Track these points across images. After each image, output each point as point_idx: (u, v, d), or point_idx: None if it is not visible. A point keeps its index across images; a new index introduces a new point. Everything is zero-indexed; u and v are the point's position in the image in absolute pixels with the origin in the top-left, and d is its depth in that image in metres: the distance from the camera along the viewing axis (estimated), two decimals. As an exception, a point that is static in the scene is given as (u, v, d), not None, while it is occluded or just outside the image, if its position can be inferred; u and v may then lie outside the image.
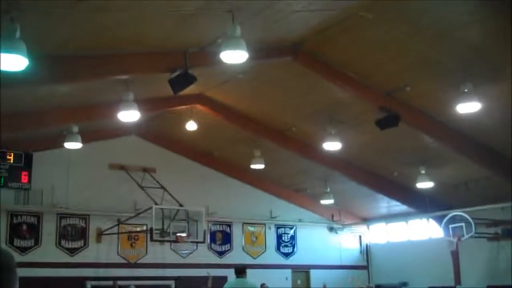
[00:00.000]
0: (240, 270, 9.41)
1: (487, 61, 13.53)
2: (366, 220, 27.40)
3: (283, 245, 25.97)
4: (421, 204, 22.86)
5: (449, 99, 14.28)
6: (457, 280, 23.57)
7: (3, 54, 9.44)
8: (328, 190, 23.25)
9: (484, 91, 13.89)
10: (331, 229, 26.96)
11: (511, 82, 14.04)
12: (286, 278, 25.26)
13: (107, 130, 20.62)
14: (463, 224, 20.99)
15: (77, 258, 21.06)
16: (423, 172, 19.78)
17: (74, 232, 21.31)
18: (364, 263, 27.70)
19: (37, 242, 20.55)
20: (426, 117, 16.83)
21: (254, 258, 24.82)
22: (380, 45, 13.66)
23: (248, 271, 9.62)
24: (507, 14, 11.38)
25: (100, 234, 21.44)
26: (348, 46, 14.09)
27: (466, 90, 13.52)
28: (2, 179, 19.71)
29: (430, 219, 24.20)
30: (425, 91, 15.39)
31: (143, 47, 12.99)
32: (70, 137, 17.72)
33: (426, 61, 14.14)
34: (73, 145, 17.96)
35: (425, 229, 25.16)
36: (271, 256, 25.49)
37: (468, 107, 13.87)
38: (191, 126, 18.49)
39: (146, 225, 20.45)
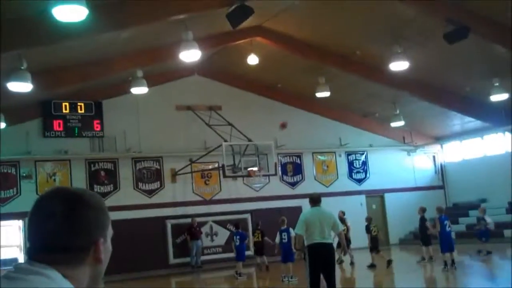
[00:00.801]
0: (316, 199, 9.38)
1: None
2: (439, 139, 26.74)
3: (355, 171, 25.83)
4: (497, 118, 22.00)
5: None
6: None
7: (63, 5, 9.50)
8: (398, 112, 22.75)
9: None
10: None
11: None
12: (361, 204, 25.23)
13: (171, 72, 20.75)
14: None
15: (155, 199, 21.74)
16: (496, 84, 18.95)
17: (149, 175, 21.91)
18: (440, 183, 27.24)
19: (116, 186, 21.30)
20: (496, 26, 15.91)
21: (327, 187, 24.84)
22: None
23: (323, 200, 9.59)
24: None
25: (174, 174, 21.96)
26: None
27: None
28: (76, 129, 20.44)
29: (507, 133, 23.33)
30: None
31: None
32: (136, 82, 17.98)
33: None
34: (139, 90, 18.25)
35: (502, 144, 24.32)
36: (344, 183, 25.43)
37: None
38: (252, 59, 18.29)
39: (218, 162, 20.71)
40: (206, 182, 22.72)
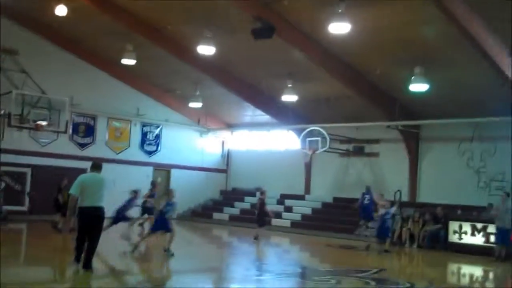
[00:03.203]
0: (96, 166, 9.93)
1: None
2: (230, 126, 28.18)
3: (147, 143, 26.09)
4: (284, 116, 23.92)
5: (324, 18, 14.73)
6: (307, 190, 25.38)
7: None
8: (198, 93, 23.49)
9: (356, 14, 14.49)
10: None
11: (381, 6, 14.81)
12: (147, 175, 25.59)
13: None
14: (319, 138, 22.32)
15: None
16: (289, 85, 20.50)
17: None
18: (224, 167, 28.73)
19: None
20: (299, 33, 17.30)
21: (117, 154, 24.80)
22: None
23: (110, 166, 9.99)
24: None
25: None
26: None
27: (340, 11, 14.01)
28: None
29: (290, 131, 25.42)
30: (302, 7, 15.74)
31: None
32: None
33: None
34: None
35: (284, 140, 26.45)
36: (134, 153, 25.59)
37: (339, 27, 14.42)
38: (60, 10, 17.51)
39: (4, 110, 19.46)
40: (-13, 128, 21.23)
